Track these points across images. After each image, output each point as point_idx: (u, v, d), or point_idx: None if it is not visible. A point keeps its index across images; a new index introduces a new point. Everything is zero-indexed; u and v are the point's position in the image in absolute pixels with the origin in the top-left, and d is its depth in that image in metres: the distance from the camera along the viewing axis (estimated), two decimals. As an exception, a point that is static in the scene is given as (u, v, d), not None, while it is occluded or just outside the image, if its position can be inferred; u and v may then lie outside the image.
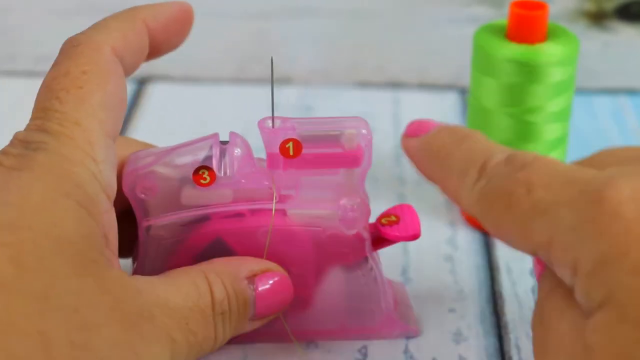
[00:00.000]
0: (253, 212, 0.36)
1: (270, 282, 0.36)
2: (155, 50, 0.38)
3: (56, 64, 0.34)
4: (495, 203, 0.31)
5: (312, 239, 0.37)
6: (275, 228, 0.37)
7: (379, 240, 0.38)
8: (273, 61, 0.35)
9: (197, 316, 0.32)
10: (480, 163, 0.32)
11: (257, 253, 0.37)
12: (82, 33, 0.35)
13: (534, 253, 0.30)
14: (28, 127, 0.32)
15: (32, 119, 0.33)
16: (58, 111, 0.32)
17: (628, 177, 0.27)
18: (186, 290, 0.33)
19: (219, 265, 0.35)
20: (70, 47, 0.34)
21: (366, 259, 0.38)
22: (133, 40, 0.36)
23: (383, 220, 0.38)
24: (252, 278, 0.35)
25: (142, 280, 0.32)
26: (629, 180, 0.27)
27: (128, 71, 0.36)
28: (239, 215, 0.36)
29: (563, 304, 0.29)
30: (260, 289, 0.35)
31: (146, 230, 0.36)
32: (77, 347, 0.27)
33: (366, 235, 0.37)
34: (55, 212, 0.30)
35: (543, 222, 0.29)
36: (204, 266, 0.34)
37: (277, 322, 0.39)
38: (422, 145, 0.36)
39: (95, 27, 0.35)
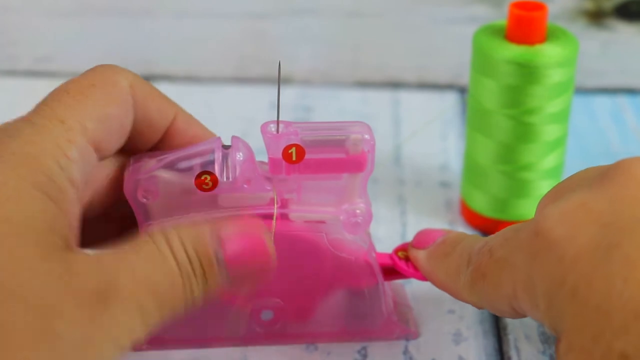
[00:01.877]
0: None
1: (242, 242, 0.33)
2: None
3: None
4: (476, 281, 0.33)
5: (314, 244, 0.37)
6: (277, 233, 0.37)
7: (392, 272, 0.39)
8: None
9: (163, 279, 0.32)
10: (468, 257, 0.35)
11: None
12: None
13: (513, 310, 0.32)
14: (17, 118, 0.33)
15: (27, 113, 0.33)
16: (50, 107, 0.33)
17: (557, 203, 0.28)
18: (150, 255, 0.32)
19: (183, 228, 0.33)
20: (96, 67, 0.36)
21: (367, 262, 0.38)
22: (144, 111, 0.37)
23: (400, 254, 0.39)
24: (221, 239, 0.33)
25: (106, 254, 0.32)
26: (557, 206, 0.28)
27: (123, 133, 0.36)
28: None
29: None
30: (229, 249, 0.33)
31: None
32: (42, 333, 0.28)
33: (367, 240, 0.38)
34: (18, 198, 0.30)
35: (506, 276, 0.31)
36: (167, 229, 0.33)
37: (277, 325, 0.39)
38: (427, 256, 0.38)
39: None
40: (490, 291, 0.33)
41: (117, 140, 0.35)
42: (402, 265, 0.39)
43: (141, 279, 0.31)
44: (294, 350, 0.40)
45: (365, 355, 0.40)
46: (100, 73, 0.35)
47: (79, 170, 0.32)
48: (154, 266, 0.32)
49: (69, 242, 0.31)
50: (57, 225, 0.30)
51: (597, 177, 0.29)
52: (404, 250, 0.40)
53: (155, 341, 0.39)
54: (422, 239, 0.39)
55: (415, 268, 0.39)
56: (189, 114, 0.39)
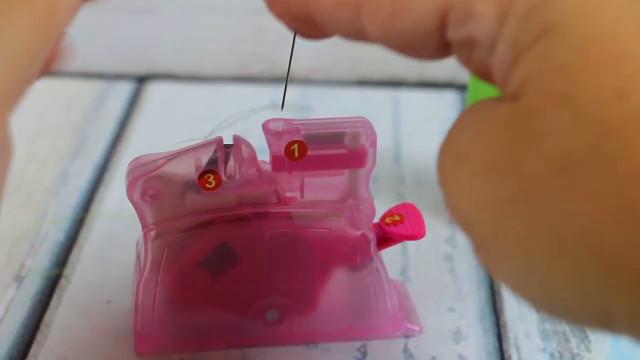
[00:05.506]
0: (258, 215, 0.37)
1: None
2: None
3: None
4: None
5: (318, 241, 0.37)
6: (281, 232, 0.37)
7: (384, 240, 0.39)
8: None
9: None
10: None
11: (263, 257, 0.37)
12: None
13: (442, 12, 0.24)
14: None
15: None
16: None
17: None
18: None
19: None
20: None
21: (372, 259, 0.38)
22: None
23: (387, 220, 0.39)
24: None
25: None
26: None
27: None
28: (245, 219, 0.37)
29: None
30: None
31: (151, 237, 0.37)
32: None
33: (372, 235, 0.38)
34: None
35: None
36: None
37: (283, 324, 0.39)
38: None
39: None
40: None
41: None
42: (391, 230, 0.39)
43: None
44: (294, 348, 0.40)
45: (365, 353, 0.40)
46: None
47: None
48: None
49: None
50: None
51: None
52: (390, 216, 0.39)
53: (159, 347, 0.39)
54: None
55: (406, 230, 0.38)
56: None
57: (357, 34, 0.27)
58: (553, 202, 0.21)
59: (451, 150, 0.24)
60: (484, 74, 0.25)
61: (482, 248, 0.23)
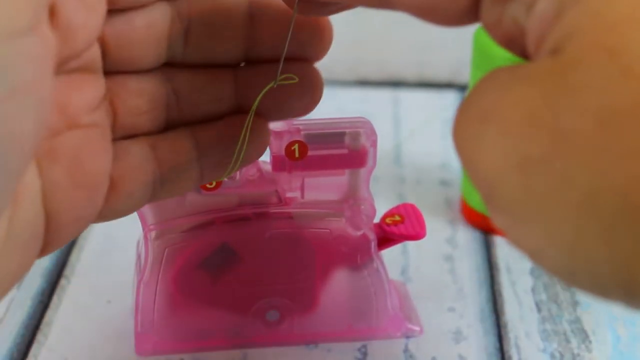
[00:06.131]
0: (258, 215, 0.37)
1: None
2: None
3: None
4: None
5: (319, 241, 0.37)
6: (282, 232, 0.37)
7: (384, 240, 0.39)
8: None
9: None
10: None
11: (263, 257, 0.37)
12: None
13: None
14: None
15: None
16: None
17: None
18: None
19: None
20: None
21: (372, 259, 0.38)
22: None
23: (387, 220, 0.39)
24: None
25: None
26: None
27: None
28: (245, 219, 0.37)
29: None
30: None
31: (152, 237, 0.37)
32: None
33: (372, 236, 0.38)
34: None
35: None
36: None
37: (283, 324, 0.39)
38: None
39: None
40: None
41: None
42: (392, 230, 0.39)
43: None
44: (294, 348, 0.40)
45: (365, 354, 0.40)
46: None
47: None
48: None
49: None
50: None
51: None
52: (391, 216, 0.39)
53: (159, 347, 0.39)
54: None
55: (407, 230, 0.38)
56: None
57: None
58: (590, 158, 0.20)
59: (474, 110, 0.23)
60: (510, 37, 0.24)
61: (504, 211, 0.22)
